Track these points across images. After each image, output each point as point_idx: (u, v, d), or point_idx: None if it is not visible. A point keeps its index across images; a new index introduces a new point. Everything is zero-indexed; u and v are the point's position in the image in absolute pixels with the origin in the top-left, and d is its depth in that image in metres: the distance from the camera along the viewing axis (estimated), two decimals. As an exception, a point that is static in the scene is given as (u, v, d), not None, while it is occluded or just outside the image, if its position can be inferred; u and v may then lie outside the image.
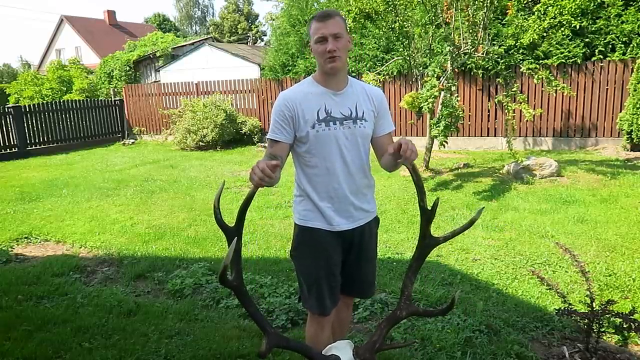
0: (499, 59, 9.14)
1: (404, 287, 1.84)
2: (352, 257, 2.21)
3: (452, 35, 7.03)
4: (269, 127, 2.09)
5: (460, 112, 6.99)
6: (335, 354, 1.74)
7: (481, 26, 6.85)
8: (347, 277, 2.24)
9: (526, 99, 8.46)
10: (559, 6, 6.44)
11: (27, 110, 12.31)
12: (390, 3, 6.81)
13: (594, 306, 2.58)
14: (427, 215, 1.83)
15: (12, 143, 11.90)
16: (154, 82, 16.16)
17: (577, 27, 7.18)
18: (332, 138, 2.04)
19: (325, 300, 2.15)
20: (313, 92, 2.06)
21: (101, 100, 14.60)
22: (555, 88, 7.67)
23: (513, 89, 8.73)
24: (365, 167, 2.16)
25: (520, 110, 7.86)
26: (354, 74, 10.68)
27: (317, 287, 2.13)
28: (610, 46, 8.68)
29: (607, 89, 8.82)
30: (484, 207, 1.99)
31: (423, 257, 1.87)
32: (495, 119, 9.75)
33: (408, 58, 7.67)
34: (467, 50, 7.09)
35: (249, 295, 1.71)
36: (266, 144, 2.10)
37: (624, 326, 2.51)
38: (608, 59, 8.69)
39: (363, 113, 2.09)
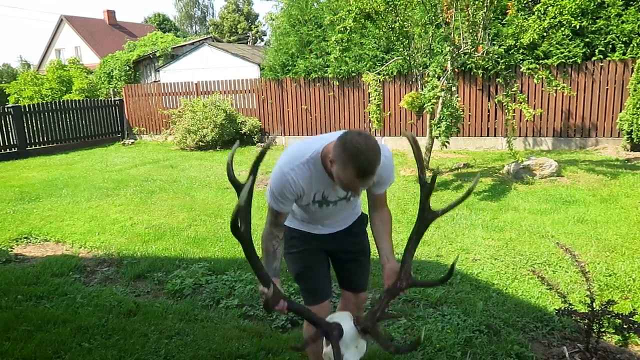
0: (499, 59, 9.14)
1: (404, 260, 1.87)
2: (342, 251, 2.27)
3: (452, 35, 7.03)
4: (270, 196, 1.96)
5: (461, 113, 6.99)
6: (337, 322, 1.77)
7: (481, 26, 6.85)
8: (342, 272, 2.32)
9: (526, 99, 8.44)
10: (559, 6, 6.44)
11: (27, 110, 12.30)
12: (390, 3, 6.81)
13: (594, 306, 2.57)
14: (427, 189, 1.83)
15: (12, 143, 11.88)
16: (154, 82, 16.17)
17: (577, 27, 7.17)
18: (322, 215, 2.11)
19: (313, 289, 2.21)
20: (317, 178, 1.93)
21: (101, 100, 14.59)
22: (555, 88, 7.67)
23: (513, 89, 8.71)
24: (353, 213, 2.24)
25: (520, 110, 7.85)
26: (354, 74, 10.69)
27: (304, 277, 2.19)
28: (610, 46, 8.68)
29: (607, 89, 8.81)
30: (480, 175, 1.99)
31: (422, 230, 1.88)
32: (495, 119, 9.74)
33: (408, 58, 7.66)
34: (467, 50, 7.09)
35: (255, 251, 1.69)
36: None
37: (624, 327, 2.50)
38: (608, 59, 8.69)
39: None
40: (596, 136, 9.05)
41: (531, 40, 6.95)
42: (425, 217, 1.86)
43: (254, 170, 1.63)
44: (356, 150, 1.65)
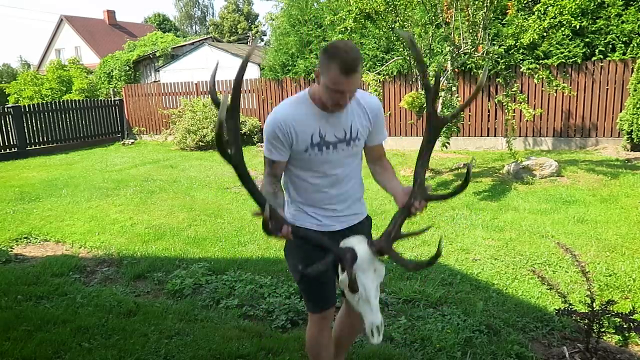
0: (499, 59, 9.14)
1: (416, 174, 1.81)
2: None
3: (452, 35, 7.03)
4: (265, 142, 2.00)
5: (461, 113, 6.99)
6: (350, 246, 1.68)
7: (481, 26, 6.85)
8: None
9: (526, 99, 8.46)
10: (559, 6, 6.44)
11: (27, 110, 12.30)
12: (390, 3, 6.81)
13: (594, 306, 2.57)
14: (432, 92, 1.76)
15: (12, 143, 11.89)
16: (154, 82, 16.16)
17: (577, 27, 7.18)
18: (325, 161, 2.00)
19: (315, 296, 2.14)
20: (309, 114, 1.95)
21: (101, 100, 14.59)
22: (555, 88, 7.67)
23: (513, 89, 8.72)
24: (357, 179, 2.14)
25: (520, 110, 7.85)
26: (353, 74, 10.67)
27: (306, 283, 2.11)
28: (610, 46, 8.68)
29: (607, 89, 8.81)
30: (485, 75, 1.95)
31: (433, 139, 1.80)
32: (495, 119, 9.74)
33: (408, 58, 7.67)
34: (467, 50, 7.09)
35: (248, 173, 1.64)
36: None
37: (624, 326, 2.50)
38: (608, 59, 8.69)
39: (358, 132, 2.03)
40: (596, 136, 9.05)
41: (531, 40, 6.95)
42: (434, 123, 1.78)
43: (236, 83, 1.60)
44: (337, 48, 1.75)
